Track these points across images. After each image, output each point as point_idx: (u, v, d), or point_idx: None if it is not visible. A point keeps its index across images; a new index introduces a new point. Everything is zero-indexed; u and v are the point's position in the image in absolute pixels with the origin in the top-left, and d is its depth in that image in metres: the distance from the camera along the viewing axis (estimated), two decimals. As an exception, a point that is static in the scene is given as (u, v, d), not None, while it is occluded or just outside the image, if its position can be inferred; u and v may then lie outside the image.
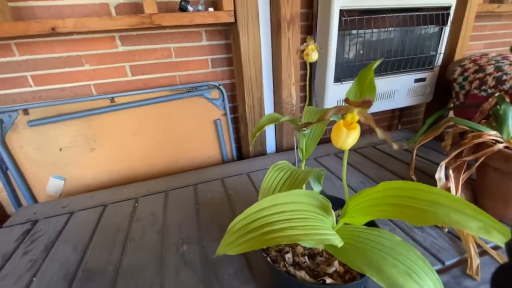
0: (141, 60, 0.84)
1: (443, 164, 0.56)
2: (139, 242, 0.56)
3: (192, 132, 0.95)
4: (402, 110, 1.25)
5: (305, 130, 0.35)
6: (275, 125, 1.02)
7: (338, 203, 0.48)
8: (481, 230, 0.19)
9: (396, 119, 1.33)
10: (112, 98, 0.84)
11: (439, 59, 1.06)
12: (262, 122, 0.35)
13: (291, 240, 0.21)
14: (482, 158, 0.51)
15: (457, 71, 0.93)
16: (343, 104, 0.22)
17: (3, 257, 0.54)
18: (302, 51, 0.35)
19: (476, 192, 0.60)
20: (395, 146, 0.25)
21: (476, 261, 0.45)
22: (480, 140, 0.52)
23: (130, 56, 0.83)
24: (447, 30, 1.01)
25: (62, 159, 0.85)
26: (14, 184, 0.81)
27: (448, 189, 0.55)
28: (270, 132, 1.01)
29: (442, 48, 1.05)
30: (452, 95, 0.98)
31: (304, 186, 0.37)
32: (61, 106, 0.80)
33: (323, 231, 0.23)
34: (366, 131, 1.32)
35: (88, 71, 0.81)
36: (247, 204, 0.53)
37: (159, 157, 0.94)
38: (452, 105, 1.00)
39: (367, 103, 0.22)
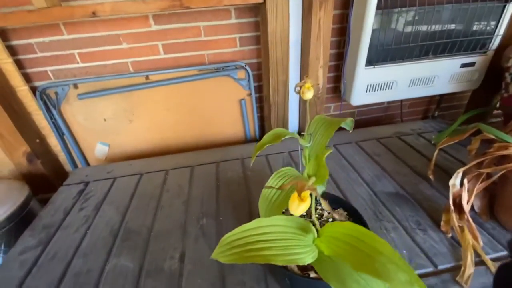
0: (172, 39, 0.88)
1: (460, 171, 0.55)
2: (167, 210, 0.67)
3: (218, 111, 1.00)
4: (442, 95, 1.15)
5: (306, 145, 0.38)
6: (299, 107, 1.02)
7: (338, 202, 0.51)
8: (405, 283, 0.22)
9: (434, 104, 1.23)
10: (147, 75, 0.90)
11: (495, 42, 0.93)
12: (265, 140, 0.38)
13: (266, 260, 0.26)
14: (504, 171, 0.50)
15: None
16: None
17: (64, 210, 0.69)
18: (301, 87, 0.36)
19: (493, 203, 0.59)
20: (335, 216, 0.31)
21: (469, 270, 0.47)
22: (505, 152, 0.50)
23: (162, 35, 0.87)
24: (511, 7, 0.87)
25: (106, 128, 0.97)
26: (70, 147, 0.96)
27: (460, 197, 0.55)
28: (293, 109, 1.02)
29: (502, 29, 0.91)
30: (502, 85, 0.88)
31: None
32: (104, 81, 0.89)
33: (297, 250, 0.27)
34: (396, 116, 1.26)
35: (125, 49, 0.87)
36: (262, 187, 0.58)
37: (188, 132, 1.02)
38: (500, 97, 0.90)
39: (313, 190, 0.29)
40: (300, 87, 0.37)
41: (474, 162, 0.53)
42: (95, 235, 0.61)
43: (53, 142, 0.96)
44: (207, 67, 0.92)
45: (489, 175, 0.54)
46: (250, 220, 0.62)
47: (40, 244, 0.60)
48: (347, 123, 0.41)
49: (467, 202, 0.54)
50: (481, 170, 0.52)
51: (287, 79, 0.92)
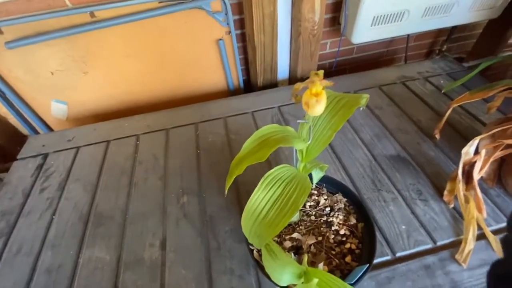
0: (116, -44, 0.63)
1: (477, 139, 0.47)
2: (142, 187, 0.59)
3: (192, 55, 0.82)
4: (455, 27, 0.98)
5: (305, 145, 0.27)
6: (290, 48, 0.85)
7: (337, 186, 0.45)
8: None
9: (444, 35, 1.07)
10: (91, 12, 0.69)
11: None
12: (243, 153, 0.26)
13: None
14: (530, 141, 0.42)
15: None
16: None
17: (23, 192, 0.60)
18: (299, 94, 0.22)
19: (503, 168, 0.53)
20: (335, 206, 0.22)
21: (470, 245, 0.45)
22: (539, 119, 0.41)
23: (100, -50, 0.62)
24: None
25: (57, 83, 0.80)
26: (19, 109, 0.81)
27: (472, 164, 0.49)
28: (282, 56, 0.86)
29: None
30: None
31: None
32: (36, 23, 0.67)
33: None
34: (400, 55, 1.10)
35: (52, -27, 0.63)
36: None
37: (158, 83, 0.86)
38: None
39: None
40: (297, 96, 0.24)
41: (495, 130, 0.45)
42: (63, 221, 0.54)
43: (-5, 103, 0.80)
44: (170, -2, 0.70)
45: (508, 145, 0.47)
46: (237, 196, 0.56)
47: (1, 235, 0.53)
48: (363, 104, 0.30)
49: (479, 171, 0.48)
50: (504, 141, 0.44)
51: (275, 11, 0.72)
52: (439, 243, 0.46)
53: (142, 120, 0.76)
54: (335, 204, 0.41)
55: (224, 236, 0.50)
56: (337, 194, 0.43)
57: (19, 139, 0.85)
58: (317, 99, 0.24)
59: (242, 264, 0.46)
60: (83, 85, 0.82)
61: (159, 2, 0.70)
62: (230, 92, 0.94)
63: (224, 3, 0.73)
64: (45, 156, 0.68)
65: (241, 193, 0.56)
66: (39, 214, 0.56)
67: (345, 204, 0.42)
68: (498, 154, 0.47)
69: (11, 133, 0.86)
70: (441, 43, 1.08)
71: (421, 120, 0.67)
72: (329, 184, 0.46)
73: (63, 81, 0.80)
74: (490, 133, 0.46)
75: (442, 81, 0.78)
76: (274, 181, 0.29)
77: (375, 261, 0.44)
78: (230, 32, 0.80)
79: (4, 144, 0.82)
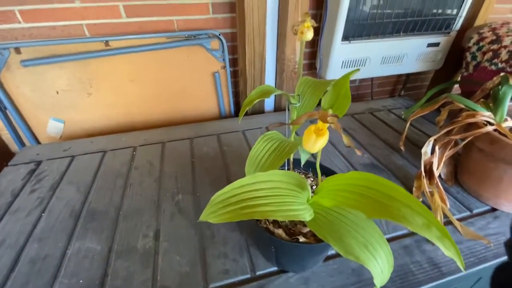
0: (136, 0, 0.78)
1: (431, 139, 0.57)
2: (137, 188, 0.61)
3: (190, 84, 0.93)
4: (408, 75, 1.20)
5: (295, 104, 0.35)
6: (275, 81, 0.99)
7: (326, 173, 0.51)
8: (423, 226, 0.21)
9: (400, 84, 1.29)
10: (107, 41, 0.80)
11: (459, 23, 0.99)
12: (252, 95, 0.35)
13: (264, 216, 0.24)
14: (470, 138, 0.53)
15: (473, 39, 0.88)
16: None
17: (12, 192, 0.59)
18: (298, 29, 0.33)
19: (458, 168, 0.63)
20: (358, 153, 0.28)
21: (439, 229, 0.50)
22: (473, 120, 0.52)
23: (124, -5, 0.76)
24: (473, -10, 0.92)
25: (60, 102, 0.85)
26: (15, 124, 0.83)
27: (431, 164, 0.58)
28: (269, 84, 1.00)
29: (465, 10, 0.96)
30: (462, 64, 0.94)
31: (292, 155, 0.39)
32: (54, 47, 0.76)
33: (295, 206, 0.26)
34: (367, 94, 1.30)
35: (78, 8, 0.75)
36: (240, 161, 0.55)
37: (156, 107, 0.94)
38: (460, 76, 0.97)
39: (335, 118, 0.24)
40: (297, 29, 0.33)
41: (445, 130, 0.56)
42: (52, 218, 0.54)
43: (-7, 117, 0.82)
44: (177, 34, 0.84)
45: (456, 143, 0.58)
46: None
47: (-17, 231, 0.51)
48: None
49: (437, 168, 0.57)
50: (451, 137, 0.54)
51: (264, 50, 0.88)
52: (413, 229, 0.52)
53: (139, 135, 0.81)
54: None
55: (219, 226, 0.52)
56: (322, 177, 0.49)
57: (7, 157, 0.85)
58: (319, 136, 0.24)
59: (235, 249, 0.47)
60: (84, 105, 0.88)
61: (167, 38, 0.84)
62: (222, 117, 1.03)
63: (222, 43, 0.88)
64: (39, 163, 0.69)
65: (233, 192, 0.59)
66: (27, 211, 0.55)
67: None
68: (450, 152, 0.57)
69: (1, 149, 0.86)
70: (399, 90, 1.30)
71: (388, 139, 0.79)
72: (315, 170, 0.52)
73: (66, 100, 0.85)
74: (442, 133, 0.56)
75: (402, 112, 0.93)
76: (270, 139, 0.35)
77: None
78: (225, 66, 0.93)
79: (-8, 157, 0.82)
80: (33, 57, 0.76)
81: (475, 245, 0.48)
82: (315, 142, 0.24)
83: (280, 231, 0.36)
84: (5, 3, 0.69)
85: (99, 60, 0.81)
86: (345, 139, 0.26)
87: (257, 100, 0.33)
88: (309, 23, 0.32)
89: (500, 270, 0.30)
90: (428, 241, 0.49)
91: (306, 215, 0.26)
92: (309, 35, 0.33)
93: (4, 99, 0.78)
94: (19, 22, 0.73)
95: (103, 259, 0.46)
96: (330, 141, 0.77)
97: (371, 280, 0.42)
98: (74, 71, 0.82)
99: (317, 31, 0.99)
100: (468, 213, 0.56)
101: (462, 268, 0.23)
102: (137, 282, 0.43)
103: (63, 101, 0.85)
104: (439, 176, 0.63)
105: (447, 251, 0.22)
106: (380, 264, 0.24)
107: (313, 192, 0.46)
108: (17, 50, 0.75)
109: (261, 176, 0.26)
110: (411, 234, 0.51)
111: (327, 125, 0.25)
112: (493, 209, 0.56)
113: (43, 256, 0.46)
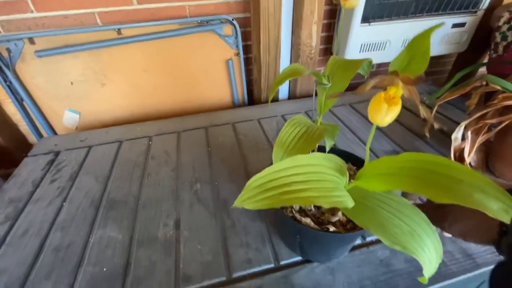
0: (147, -14, 0.76)
1: (463, 124, 0.54)
2: (155, 177, 0.60)
3: (203, 72, 0.91)
4: (430, 58, 1.14)
5: (326, 84, 0.33)
6: (290, 62, 0.96)
7: (345, 156, 0.48)
8: (500, 211, 0.19)
9: (420, 68, 1.23)
10: (119, 29, 0.78)
11: (487, 1, 0.92)
12: (283, 75, 0.33)
13: (307, 201, 0.22)
14: (507, 122, 0.49)
15: (503, 18, 0.81)
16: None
17: (33, 182, 0.60)
18: None
19: (490, 155, 0.59)
20: (436, 126, 0.24)
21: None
22: (510, 102, 0.49)
23: (135, -20, 0.74)
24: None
25: (74, 92, 0.85)
26: (32, 115, 0.84)
27: (462, 150, 0.55)
28: (284, 76, 0.97)
29: (494, -14, 0.89)
30: (491, 46, 0.88)
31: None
32: (67, 36, 0.75)
33: (336, 192, 0.24)
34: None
35: (90, -4, 0.73)
36: (258, 151, 0.53)
37: (169, 96, 0.93)
38: (488, 58, 0.91)
39: (419, 81, 0.20)
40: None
41: (478, 115, 0.53)
42: (73, 207, 0.54)
43: (11, 109, 0.83)
44: (189, 20, 0.81)
45: (489, 129, 0.54)
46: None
47: (8, 219, 0.51)
48: (364, 68, 0.37)
49: (469, 155, 0.53)
50: (486, 121, 0.51)
51: (279, 36, 0.84)
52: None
53: (153, 125, 0.80)
54: (349, 170, 0.44)
55: (239, 215, 0.51)
56: (348, 163, 0.46)
57: (26, 148, 0.86)
58: (390, 105, 0.21)
59: (257, 239, 0.46)
60: (98, 96, 0.87)
61: (180, 24, 0.81)
62: (235, 107, 1.01)
63: (235, 28, 0.85)
64: (57, 153, 0.70)
65: (252, 181, 0.58)
66: (48, 201, 0.55)
67: (354, 172, 0.45)
68: (484, 137, 0.54)
69: (20, 140, 0.87)
70: (418, 75, 1.24)
71: (411, 125, 0.75)
72: (341, 156, 0.49)
73: (80, 91, 0.85)
74: (473, 118, 0.53)
75: (425, 98, 0.89)
76: (297, 123, 0.33)
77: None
78: (238, 53, 0.90)
79: (12, 149, 0.83)
80: (46, 48, 0.75)
81: None
82: (386, 113, 0.21)
83: (308, 220, 0.34)
84: (17, -8, 0.68)
85: (111, 50, 0.80)
86: (423, 111, 0.22)
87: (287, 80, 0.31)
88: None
89: (500, 270, 0.27)
90: (460, 231, 0.47)
91: (349, 202, 0.24)
92: (355, 1, 0.29)
93: (20, 90, 0.78)
94: (32, 12, 0.72)
95: (125, 248, 0.46)
96: (349, 128, 0.74)
97: (400, 271, 0.41)
98: (87, 60, 0.81)
99: (333, 14, 0.94)
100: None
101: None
102: (159, 271, 0.42)
103: (77, 92, 0.85)
104: (470, 163, 0.59)
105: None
106: (428, 254, 0.22)
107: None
108: (31, 41, 0.74)
109: (300, 159, 0.24)
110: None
111: (401, 92, 0.21)
112: (529, 198, 0.53)
113: (66, 245, 0.47)
